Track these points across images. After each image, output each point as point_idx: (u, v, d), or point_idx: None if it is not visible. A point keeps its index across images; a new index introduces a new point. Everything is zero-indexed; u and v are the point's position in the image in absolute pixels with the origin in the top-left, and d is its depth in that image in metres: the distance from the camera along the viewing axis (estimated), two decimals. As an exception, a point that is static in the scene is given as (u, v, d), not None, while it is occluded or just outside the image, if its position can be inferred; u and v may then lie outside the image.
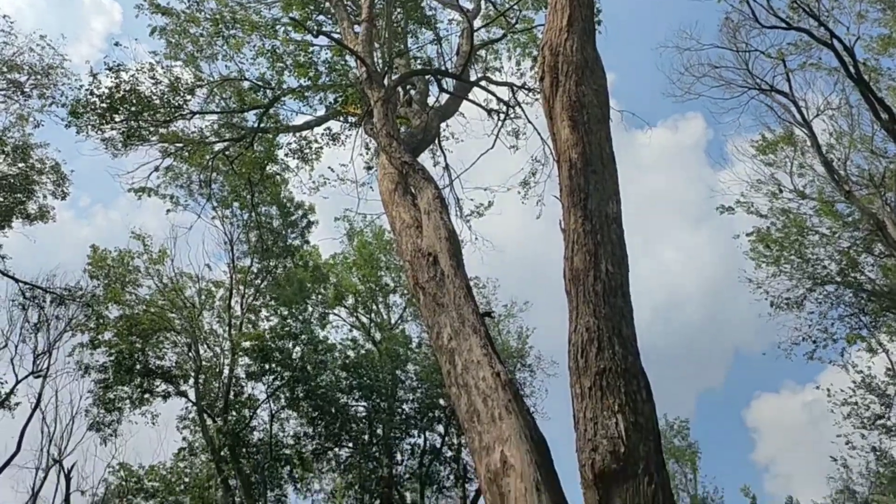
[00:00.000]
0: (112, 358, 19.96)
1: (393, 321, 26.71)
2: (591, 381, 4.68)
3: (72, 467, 20.05)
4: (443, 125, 14.17)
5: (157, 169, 16.00)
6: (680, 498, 28.62)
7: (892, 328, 19.90)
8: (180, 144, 15.43)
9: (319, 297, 24.70)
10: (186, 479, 19.61)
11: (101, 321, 20.30)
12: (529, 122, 15.38)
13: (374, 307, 26.55)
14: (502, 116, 15.26)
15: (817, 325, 20.69)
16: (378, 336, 25.63)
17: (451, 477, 25.22)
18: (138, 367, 19.84)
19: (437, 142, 14.20)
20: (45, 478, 19.90)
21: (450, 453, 25.31)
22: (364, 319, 26.54)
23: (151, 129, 14.52)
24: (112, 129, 14.27)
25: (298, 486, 21.51)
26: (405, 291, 26.03)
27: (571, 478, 4.84)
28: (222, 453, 19.59)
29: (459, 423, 5.75)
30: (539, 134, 14.81)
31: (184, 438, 20.76)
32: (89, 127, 14.10)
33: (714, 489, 29.69)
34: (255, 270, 22.99)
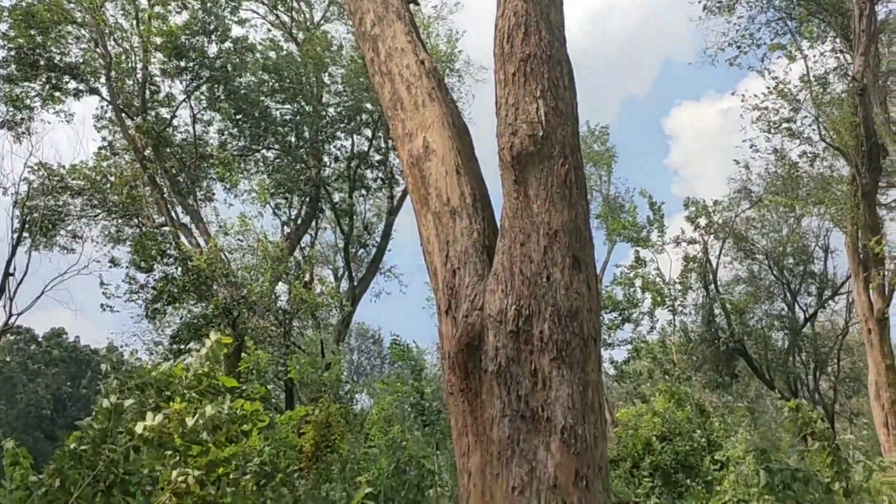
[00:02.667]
0: (13, 53, 18.60)
1: (316, 20, 25.30)
2: (514, 67, 4.63)
3: (-14, 166, 19.65)
4: None
5: None
6: (593, 197, 30.67)
7: (814, 34, 20.17)
8: None
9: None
10: (112, 178, 19.55)
11: (-8, 10, 18.44)
12: None
13: (295, 4, 24.88)
14: None
15: (744, 30, 20.86)
16: (300, 36, 24.39)
17: (379, 180, 26.05)
18: (42, 62, 18.56)
19: None
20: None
21: (377, 157, 25.83)
22: (284, 18, 25.00)
23: None
24: None
25: (227, 185, 21.83)
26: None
27: (489, 164, 5.01)
28: (146, 153, 19.40)
29: (383, 112, 5.72)
30: None
31: (103, 138, 20.33)
32: None
33: (625, 190, 31.89)
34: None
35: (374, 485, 11.33)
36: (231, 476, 5.87)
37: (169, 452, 5.10)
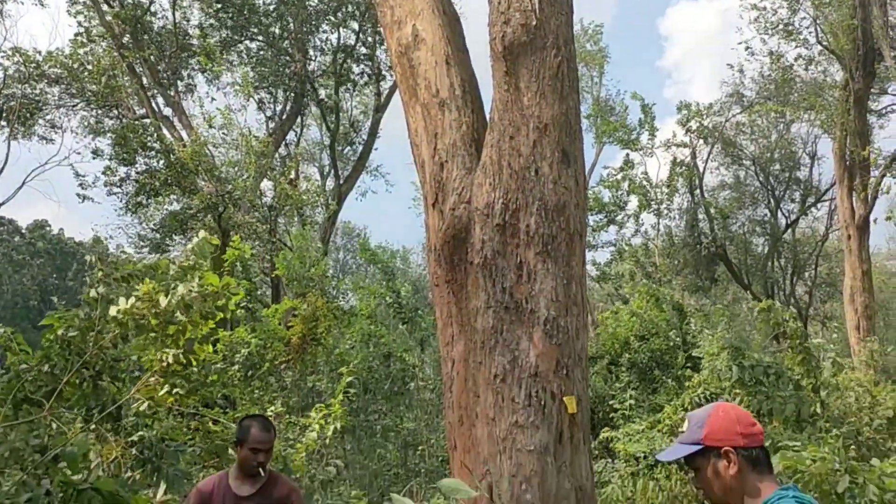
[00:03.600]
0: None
1: None
2: (509, -49, 4.44)
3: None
4: None
5: None
6: (584, 99, 30.18)
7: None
8: None
9: None
10: (90, 67, 18.89)
11: None
12: None
13: None
14: None
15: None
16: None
17: (365, 75, 25.40)
18: (10, -60, 17.55)
19: None
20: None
21: (364, 51, 25.07)
22: None
23: None
24: None
25: (209, 76, 21.20)
26: None
27: (480, 56, 4.87)
28: (124, 40, 18.69)
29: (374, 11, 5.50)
30: None
31: (79, 24, 19.49)
32: None
33: (617, 92, 31.40)
34: None
35: (355, 373, 11.62)
36: (218, 364, 5.97)
37: (153, 335, 5.16)
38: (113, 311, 4.85)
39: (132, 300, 4.94)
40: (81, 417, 5.27)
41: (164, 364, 4.87)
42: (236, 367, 11.55)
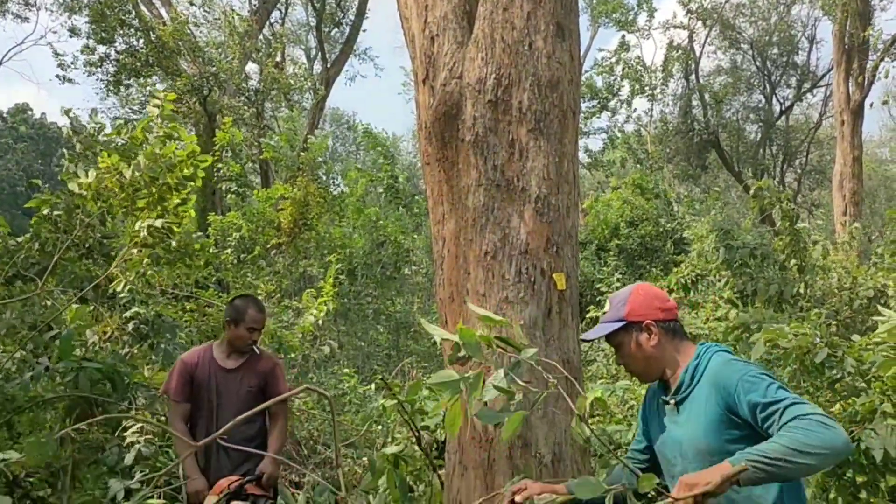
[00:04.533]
0: None
1: None
2: None
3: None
4: None
5: None
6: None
7: None
8: None
9: None
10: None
11: None
12: None
13: None
14: None
15: None
16: None
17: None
18: None
19: None
20: None
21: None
22: None
23: None
24: None
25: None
26: None
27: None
28: None
29: None
30: None
31: None
32: None
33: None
34: None
35: (343, 258, 11.71)
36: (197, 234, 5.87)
37: (123, 209, 5.02)
38: (73, 185, 4.73)
39: (93, 173, 4.79)
40: (76, 297, 5.32)
41: (141, 236, 4.78)
42: (228, 250, 11.62)
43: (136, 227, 4.79)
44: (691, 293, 8.61)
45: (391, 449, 4.98)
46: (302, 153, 13.89)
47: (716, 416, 2.22)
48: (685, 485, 1.93)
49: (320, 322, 8.35)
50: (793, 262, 7.02)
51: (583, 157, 28.09)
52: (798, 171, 30.26)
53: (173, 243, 4.85)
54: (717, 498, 1.95)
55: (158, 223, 4.71)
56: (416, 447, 4.73)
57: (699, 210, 13.83)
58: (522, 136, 3.79)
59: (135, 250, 4.77)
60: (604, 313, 2.58)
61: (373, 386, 8.60)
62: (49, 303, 4.63)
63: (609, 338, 2.52)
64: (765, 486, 2.12)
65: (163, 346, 4.96)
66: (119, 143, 5.13)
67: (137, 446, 4.54)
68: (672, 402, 2.39)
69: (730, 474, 1.89)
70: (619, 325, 2.46)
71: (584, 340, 2.84)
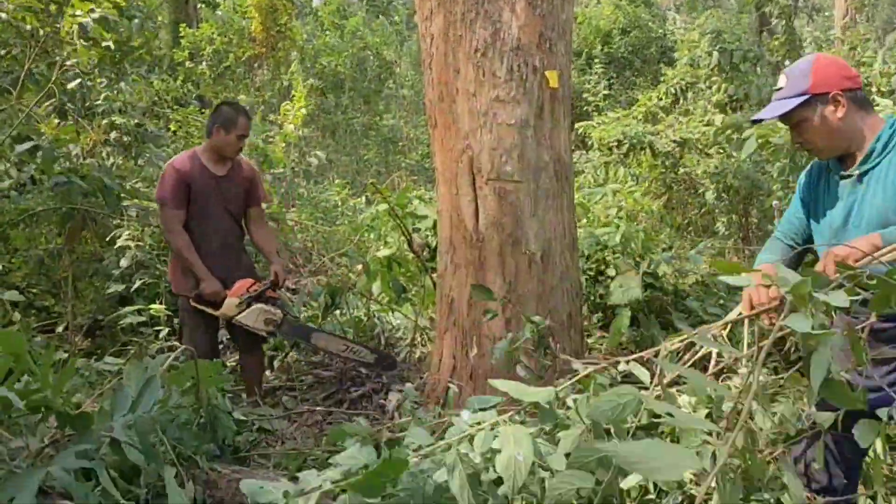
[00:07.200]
0: None
1: None
2: None
3: None
4: None
5: None
6: None
7: None
8: None
9: None
10: None
11: None
12: None
13: None
14: None
15: None
16: None
17: None
18: None
19: None
20: None
21: None
22: None
23: None
24: None
25: None
26: None
27: None
28: None
29: None
30: None
31: None
32: None
33: None
34: None
35: (327, 74, 11.32)
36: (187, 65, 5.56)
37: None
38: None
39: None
40: (55, 111, 5.17)
41: (77, 26, 4.44)
42: (203, 65, 11.17)
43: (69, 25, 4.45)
44: (681, 101, 8.50)
45: (384, 252, 5.12)
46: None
47: None
48: (836, 255, 1.85)
49: (300, 132, 8.18)
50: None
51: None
52: (799, -28, 28.79)
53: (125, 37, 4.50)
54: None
55: (96, 15, 4.38)
56: (408, 249, 4.85)
57: (699, 13, 13.22)
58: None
59: (79, 41, 4.44)
60: (777, 89, 2.33)
61: (363, 199, 8.66)
62: (24, 113, 4.47)
63: (787, 116, 2.29)
64: None
65: (147, 155, 4.88)
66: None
67: (129, 252, 4.61)
68: (857, 173, 2.26)
69: (880, 245, 1.85)
70: (803, 98, 2.23)
71: (756, 121, 2.48)
